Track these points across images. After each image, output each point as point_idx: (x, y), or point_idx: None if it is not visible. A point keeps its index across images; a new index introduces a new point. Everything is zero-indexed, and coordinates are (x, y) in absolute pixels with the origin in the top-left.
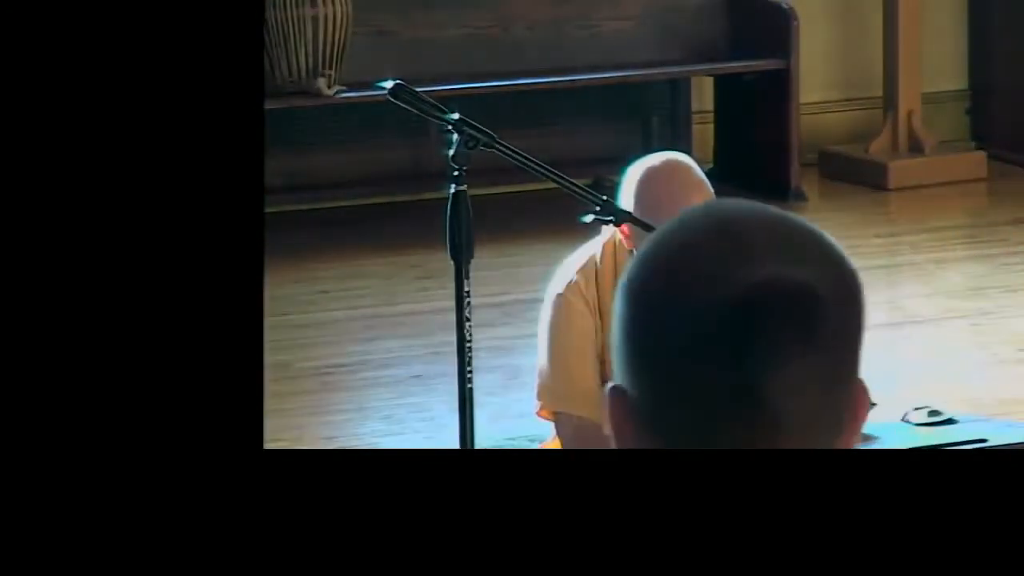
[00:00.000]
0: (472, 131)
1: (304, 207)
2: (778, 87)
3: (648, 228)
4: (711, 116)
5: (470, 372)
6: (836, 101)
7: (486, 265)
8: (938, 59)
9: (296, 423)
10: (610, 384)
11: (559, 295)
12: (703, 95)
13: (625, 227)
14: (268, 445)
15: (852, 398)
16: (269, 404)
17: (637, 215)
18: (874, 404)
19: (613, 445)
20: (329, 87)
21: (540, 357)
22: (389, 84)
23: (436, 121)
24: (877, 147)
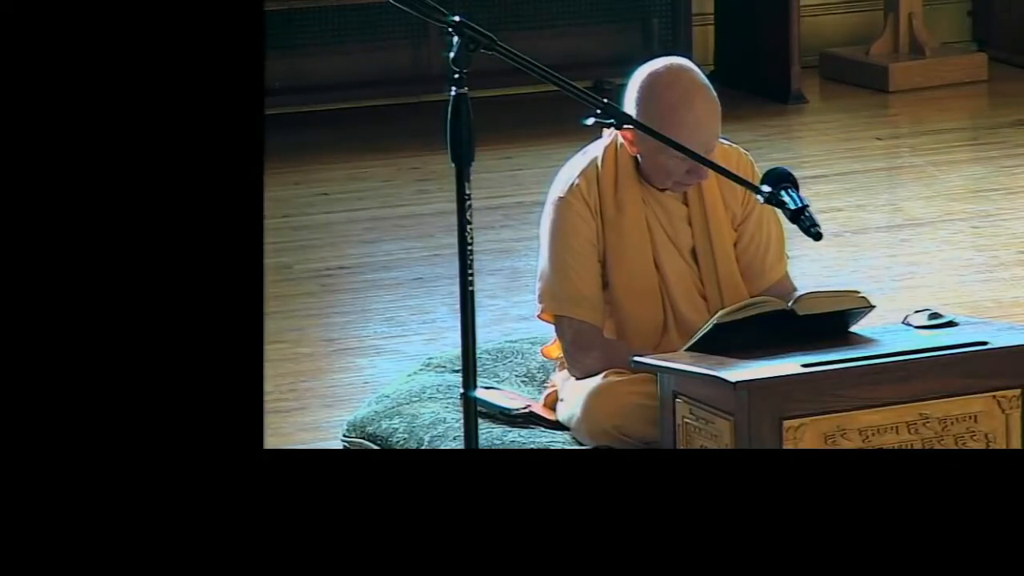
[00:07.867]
0: (473, 33)
1: (304, 109)
2: None
3: (650, 132)
4: (711, 18)
5: (471, 274)
6: (837, 3)
7: (487, 168)
8: None
9: (297, 325)
10: None
11: (560, 198)
12: None
13: (626, 131)
14: (268, 347)
15: None
16: (269, 306)
17: (641, 120)
18: (873, 306)
19: (611, 349)
20: None
21: (541, 260)
22: None
23: (437, 23)
24: (878, 49)
